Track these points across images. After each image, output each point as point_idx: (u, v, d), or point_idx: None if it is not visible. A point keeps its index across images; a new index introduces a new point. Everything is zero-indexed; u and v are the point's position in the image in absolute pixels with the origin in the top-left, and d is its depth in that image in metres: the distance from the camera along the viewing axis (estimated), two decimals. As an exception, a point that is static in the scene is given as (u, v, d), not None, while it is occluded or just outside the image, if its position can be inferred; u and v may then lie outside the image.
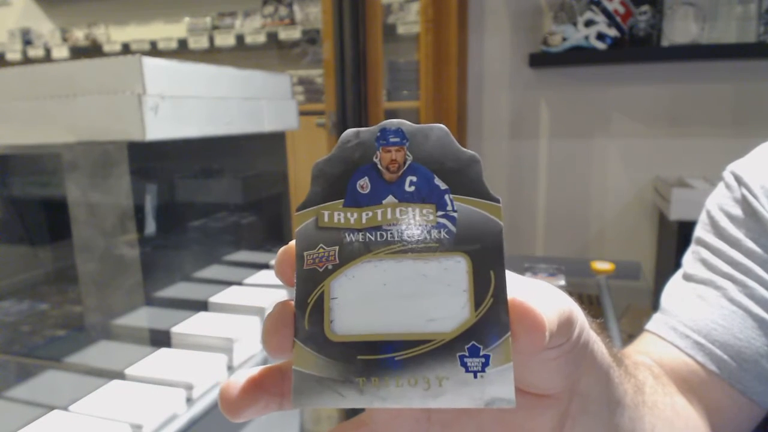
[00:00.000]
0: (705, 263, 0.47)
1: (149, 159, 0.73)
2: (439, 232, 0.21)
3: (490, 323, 0.20)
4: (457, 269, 0.21)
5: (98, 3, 2.99)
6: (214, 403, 0.63)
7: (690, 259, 0.49)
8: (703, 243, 0.48)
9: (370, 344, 0.20)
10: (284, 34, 2.52)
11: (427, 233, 0.21)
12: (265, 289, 0.84)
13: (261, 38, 2.56)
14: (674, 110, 1.84)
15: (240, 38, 2.61)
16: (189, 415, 0.59)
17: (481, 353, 0.20)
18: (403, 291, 0.21)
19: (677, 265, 0.51)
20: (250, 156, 0.98)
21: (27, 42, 3.02)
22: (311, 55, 2.55)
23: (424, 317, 0.20)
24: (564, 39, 1.76)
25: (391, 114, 2.31)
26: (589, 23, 1.73)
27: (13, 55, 2.99)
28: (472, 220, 0.21)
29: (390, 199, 0.22)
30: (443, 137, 0.22)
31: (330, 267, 0.21)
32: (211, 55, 2.73)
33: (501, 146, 2.04)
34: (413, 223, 0.21)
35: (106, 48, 2.86)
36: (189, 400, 0.61)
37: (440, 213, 0.22)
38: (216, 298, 0.80)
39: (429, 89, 1.75)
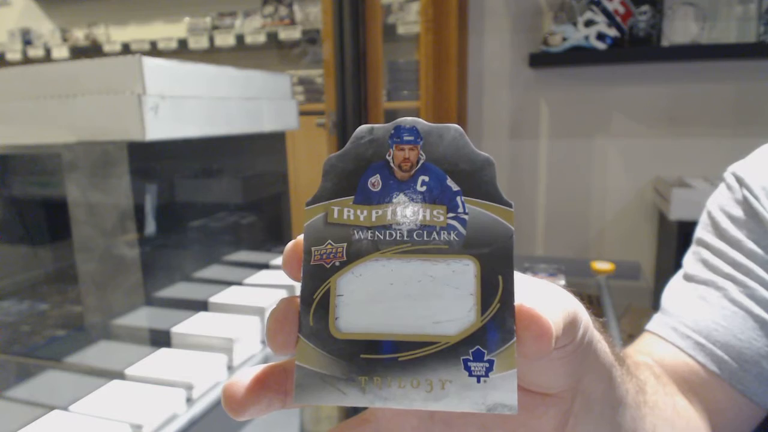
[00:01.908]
0: (706, 264, 0.47)
1: (149, 159, 0.73)
2: (449, 233, 0.21)
3: (496, 328, 0.20)
4: (465, 272, 0.21)
5: (98, 3, 2.99)
6: (214, 403, 0.63)
7: (691, 260, 0.49)
8: (703, 244, 0.48)
9: (374, 343, 0.20)
10: (284, 34, 2.52)
11: (437, 234, 0.21)
12: (265, 289, 0.84)
13: (261, 38, 2.56)
14: (674, 110, 1.84)
15: (240, 38, 2.61)
16: (189, 415, 0.59)
17: (486, 358, 0.20)
18: (409, 291, 0.21)
19: (677, 265, 0.51)
20: (250, 156, 0.98)
21: (27, 42, 3.02)
22: (311, 55, 2.55)
23: (430, 319, 0.20)
24: (564, 39, 1.76)
25: (391, 114, 2.31)
26: (589, 23, 1.73)
27: (13, 55, 2.99)
28: (483, 223, 0.21)
29: (401, 197, 0.22)
30: (458, 138, 0.22)
31: (337, 264, 0.21)
32: (211, 55, 2.73)
33: (501, 146, 2.04)
34: (423, 223, 0.21)
35: (106, 48, 2.86)
36: (189, 400, 0.61)
37: (451, 215, 0.21)
38: (216, 298, 0.80)
39: (429, 89, 1.75)
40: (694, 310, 0.45)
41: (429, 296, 0.21)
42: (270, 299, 0.79)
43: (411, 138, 0.22)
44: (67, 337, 0.78)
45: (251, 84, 0.91)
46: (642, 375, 0.35)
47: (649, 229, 1.93)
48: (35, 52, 2.97)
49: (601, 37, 1.73)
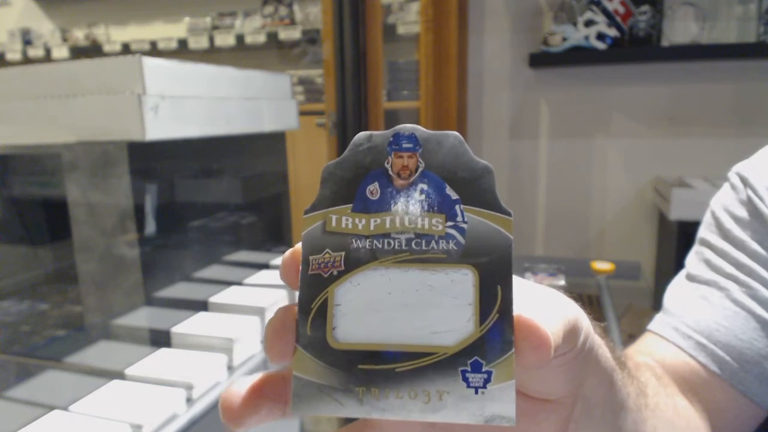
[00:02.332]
0: (709, 264, 0.47)
1: (149, 159, 0.73)
2: (448, 243, 0.21)
3: (494, 339, 0.20)
4: (463, 282, 0.21)
5: (98, 3, 2.99)
6: (214, 403, 0.63)
7: (693, 260, 0.49)
8: (707, 244, 0.48)
9: (372, 354, 0.20)
10: (284, 34, 2.52)
11: (435, 243, 0.21)
12: (265, 289, 0.84)
13: (261, 38, 2.56)
14: (674, 110, 1.84)
15: (240, 38, 2.61)
16: (189, 415, 0.59)
17: (484, 369, 0.20)
18: (407, 301, 0.21)
19: (677, 265, 0.51)
20: (250, 156, 0.98)
21: (27, 42, 3.02)
22: (311, 55, 2.55)
23: (428, 329, 0.20)
24: (564, 39, 1.76)
25: (391, 114, 2.31)
26: (589, 23, 1.73)
27: (13, 55, 2.99)
28: (481, 232, 0.21)
29: (399, 206, 0.22)
30: (457, 145, 0.22)
31: (335, 273, 0.21)
32: (211, 55, 2.73)
33: (501, 146, 2.04)
34: (422, 232, 0.21)
35: (106, 48, 2.86)
36: (189, 400, 0.61)
37: (450, 223, 0.21)
38: (216, 298, 0.80)
39: (429, 89, 1.75)
40: (696, 310, 0.45)
41: (427, 306, 0.21)
42: (270, 299, 0.79)
43: (410, 145, 0.22)
44: (67, 337, 0.78)
45: (251, 84, 0.91)
46: (643, 377, 0.35)
47: (649, 229, 1.92)
48: (35, 52, 2.97)
49: (601, 37, 1.73)
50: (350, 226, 0.21)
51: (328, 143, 1.39)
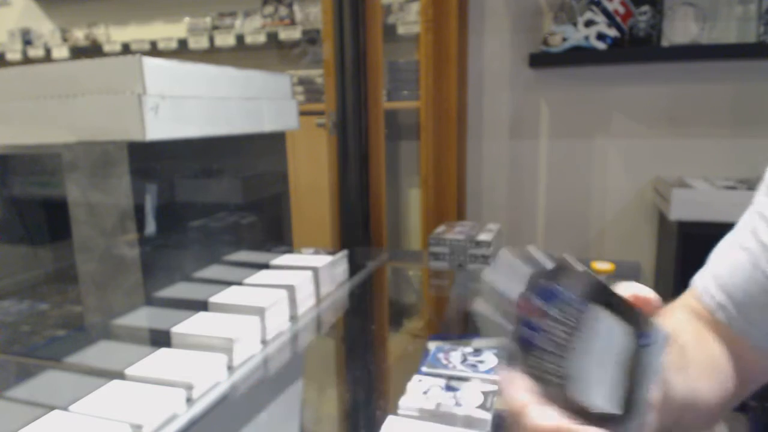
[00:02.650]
0: (747, 224, 0.50)
1: (149, 159, 0.73)
2: (575, 309, 0.31)
3: (636, 321, 0.32)
4: (604, 318, 0.31)
5: (98, 3, 2.99)
6: (214, 403, 0.63)
7: (742, 220, 0.52)
8: (756, 203, 0.51)
9: (620, 400, 0.31)
10: (284, 34, 2.52)
11: (571, 318, 0.30)
12: (265, 289, 0.84)
13: (261, 38, 2.56)
14: (674, 110, 1.84)
15: (240, 38, 2.61)
16: (189, 415, 0.59)
17: (646, 335, 0.32)
18: (596, 361, 0.30)
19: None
20: (250, 156, 0.98)
21: (27, 42, 3.01)
22: (311, 55, 2.55)
23: (615, 352, 0.31)
24: (564, 39, 1.76)
25: (391, 114, 2.31)
26: (589, 23, 1.73)
27: (13, 55, 2.99)
28: (570, 282, 0.31)
29: (544, 324, 0.31)
30: (506, 255, 0.33)
31: (562, 396, 0.31)
32: (211, 55, 2.73)
33: (501, 146, 2.04)
34: (564, 322, 0.30)
35: (106, 48, 2.86)
36: (189, 400, 0.61)
37: (558, 298, 0.31)
38: (216, 298, 0.80)
39: (429, 89, 1.75)
40: (725, 270, 0.50)
41: (603, 346, 0.30)
42: (270, 299, 0.79)
43: (516, 296, 0.32)
44: (67, 337, 0.78)
45: (251, 84, 0.91)
46: (681, 339, 0.45)
47: (649, 229, 1.92)
48: (35, 52, 2.97)
49: (601, 37, 1.73)
50: (535, 367, 0.31)
51: (328, 143, 1.38)
